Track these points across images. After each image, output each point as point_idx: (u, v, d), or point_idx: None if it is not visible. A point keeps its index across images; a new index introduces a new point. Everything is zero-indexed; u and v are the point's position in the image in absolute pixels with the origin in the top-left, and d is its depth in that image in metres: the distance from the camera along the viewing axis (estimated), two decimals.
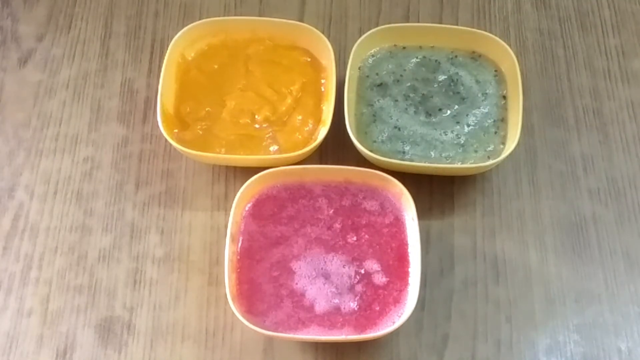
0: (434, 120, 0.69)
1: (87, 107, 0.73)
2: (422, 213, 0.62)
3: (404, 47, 0.73)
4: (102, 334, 0.62)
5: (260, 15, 0.78)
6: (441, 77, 0.71)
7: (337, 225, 0.63)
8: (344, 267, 0.61)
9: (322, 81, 0.71)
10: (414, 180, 0.65)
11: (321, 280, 0.61)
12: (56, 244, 0.66)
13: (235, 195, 0.62)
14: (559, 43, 0.77)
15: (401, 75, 0.71)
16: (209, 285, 0.64)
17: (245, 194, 0.63)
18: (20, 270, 0.64)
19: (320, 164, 0.68)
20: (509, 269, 0.64)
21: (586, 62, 0.76)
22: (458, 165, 0.66)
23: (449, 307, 0.63)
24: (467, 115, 0.69)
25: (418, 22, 0.78)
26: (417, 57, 0.72)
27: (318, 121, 0.69)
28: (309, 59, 0.72)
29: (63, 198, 0.68)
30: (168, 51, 0.70)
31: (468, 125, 0.68)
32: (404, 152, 0.67)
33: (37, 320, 0.62)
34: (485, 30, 0.73)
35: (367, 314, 0.59)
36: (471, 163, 0.66)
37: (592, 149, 0.71)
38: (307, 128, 0.69)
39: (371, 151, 0.65)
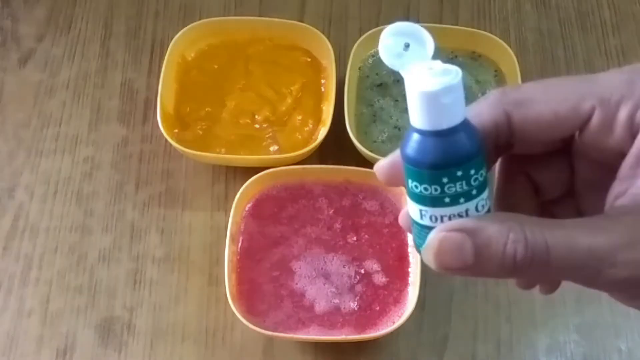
0: None
1: (87, 107, 0.73)
2: None
3: None
4: (102, 334, 0.62)
5: (260, 15, 0.78)
6: None
7: (337, 225, 0.63)
8: (344, 267, 0.61)
9: (322, 81, 0.71)
10: None
11: (321, 280, 0.61)
12: (56, 244, 0.65)
13: (235, 195, 0.62)
14: (559, 43, 0.77)
15: (401, 76, 0.71)
16: (209, 285, 0.64)
17: (245, 194, 0.63)
18: (20, 270, 0.64)
19: (320, 164, 0.68)
20: None
21: (586, 63, 0.76)
22: None
23: (449, 307, 0.63)
24: None
25: (418, 22, 0.78)
26: None
27: (318, 121, 0.69)
28: (309, 59, 0.72)
29: (63, 198, 0.68)
30: (168, 51, 0.70)
31: None
32: None
33: (37, 320, 0.62)
34: (485, 30, 0.73)
35: (367, 314, 0.59)
36: None
37: None
38: (307, 128, 0.69)
39: (371, 151, 0.65)
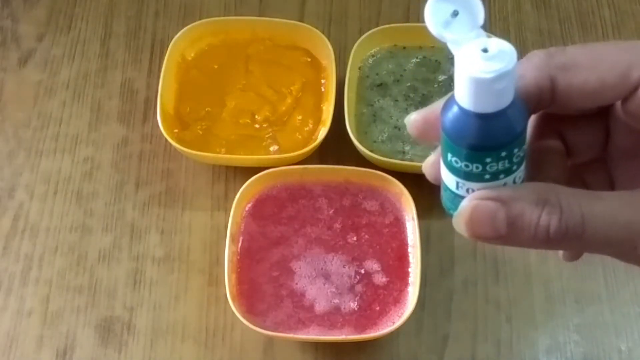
0: None
1: (87, 107, 0.73)
2: (422, 213, 0.62)
3: (404, 47, 0.73)
4: (102, 334, 0.62)
5: (260, 15, 0.78)
6: (441, 77, 0.71)
7: (337, 225, 0.63)
8: (344, 267, 0.61)
9: (322, 81, 0.71)
10: (414, 180, 0.65)
11: (321, 280, 0.61)
12: (56, 244, 0.65)
13: (235, 195, 0.62)
14: (559, 43, 0.77)
15: (401, 75, 0.71)
16: (209, 285, 0.64)
17: (245, 194, 0.63)
18: (20, 270, 0.64)
19: (320, 164, 0.68)
20: (509, 269, 0.64)
21: None
22: None
23: (449, 307, 0.63)
24: None
25: (418, 22, 0.78)
26: (417, 57, 0.72)
27: (318, 121, 0.69)
28: (309, 59, 0.72)
29: (63, 198, 0.68)
30: (168, 51, 0.70)
31: None
32: (404, 152, 0.67)
33: (37, 320, 0.62)
34: (485, 30, 0.73)
35: (367, 314, 0.59)
36: None
37: None
38: (307, 128, 0.69)
39: (371, 151, 0.65)
